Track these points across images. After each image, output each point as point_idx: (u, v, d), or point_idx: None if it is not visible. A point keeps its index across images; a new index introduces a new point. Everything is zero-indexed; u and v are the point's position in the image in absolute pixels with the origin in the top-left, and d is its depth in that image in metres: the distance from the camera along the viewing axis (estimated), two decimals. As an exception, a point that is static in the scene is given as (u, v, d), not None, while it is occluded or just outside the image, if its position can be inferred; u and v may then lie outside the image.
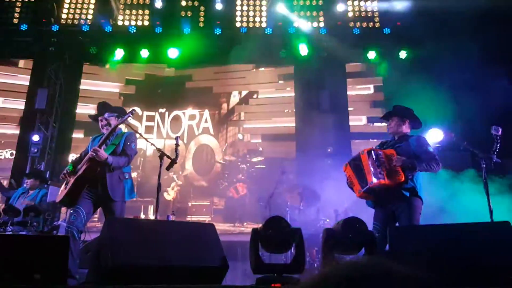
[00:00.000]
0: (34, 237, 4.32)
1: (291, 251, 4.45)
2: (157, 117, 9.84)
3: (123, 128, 5.03)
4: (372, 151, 4.10)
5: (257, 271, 3.51)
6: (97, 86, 10.00)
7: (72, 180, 4.41)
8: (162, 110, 9.88)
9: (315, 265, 5.99)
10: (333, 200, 5.01)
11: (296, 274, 3.47)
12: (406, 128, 4.39)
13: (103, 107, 4.89)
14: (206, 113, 9.86)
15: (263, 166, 9.29)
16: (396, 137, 4.38)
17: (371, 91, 9.72)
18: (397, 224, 4.06)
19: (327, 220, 6.45)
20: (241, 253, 6.86)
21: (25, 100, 9.55)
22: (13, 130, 9.53)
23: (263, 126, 9.68)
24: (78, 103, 9.69)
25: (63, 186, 4.60)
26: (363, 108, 9.65)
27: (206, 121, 9.80)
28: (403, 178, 3.89)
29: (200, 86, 10.08)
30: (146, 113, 9.83)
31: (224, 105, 9.93)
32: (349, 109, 9.54)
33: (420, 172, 4.12)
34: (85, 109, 9.56)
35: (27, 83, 9.73)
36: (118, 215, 4.37)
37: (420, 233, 3.61)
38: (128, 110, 4.78)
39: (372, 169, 3.97)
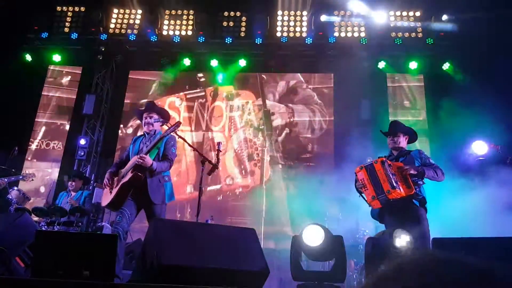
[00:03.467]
0: (84, 235, 4.49)
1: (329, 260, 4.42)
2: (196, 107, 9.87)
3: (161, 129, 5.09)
4: (385, 161, 4.25)
5: (298, 278, 3.51)
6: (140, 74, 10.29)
7: (118, 187, 4.49)
8: (202, 101, 9.90)
9: (354, 276, 5.91)
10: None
11: (337, 282, 3.45)
12: (405, 143, 4.68)
13: (151, 107, 4.94)
14: (250, 104, 9.70)
15: (313, 164, 9.00)
16: (395, 152, 4.60)
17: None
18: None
19: (367, 231, 6.37)
20: (276, 261, 6.86)
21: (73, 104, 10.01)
22: (45, 119, 9.93)
23: (313, 119, 9.46)
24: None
25: (107, 189, 4.68)
26: (421, 100, 9.37)
27: (249, 113, 9.64)
28: (413, 191, 4.12)
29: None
30: (184, 103, 9.93)
31: (270, 95, 9.73)
32: (404, 102, 9.39)
33: (425, 184, 4.36)
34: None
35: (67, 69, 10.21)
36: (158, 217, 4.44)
37: (464, 246, 3.52)
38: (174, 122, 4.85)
39: (387, 178, 4.11)
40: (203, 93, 9.94)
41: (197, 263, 3.22)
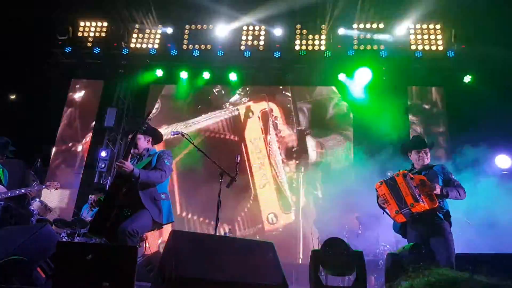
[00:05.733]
0: (104, 246, 4.50)
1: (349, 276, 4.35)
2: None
3: (157, 148, 4.76)
4: (407, 174, 4.18)
5: (317, 293, 3.46)
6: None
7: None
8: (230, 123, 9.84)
9: (374, 292, 5.80)
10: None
11: (357, 298, 3.39)
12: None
13: (135, 125, 4.58)
14: (280, 120, 9.63)
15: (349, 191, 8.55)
16: (418, 166, 4.48)
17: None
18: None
19: (387, 245, 6.25)
20: (294, 276, 6.78)
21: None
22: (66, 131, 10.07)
23: (347, 149, 9.27)
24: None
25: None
26: (442, 113, 9.31)
27: (279, 132, 9.49)
28: (437, 204, 4.03)
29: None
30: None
31: (300, 113, 9.63)
32: (425, 115, 9.25)
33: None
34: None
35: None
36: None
37: (490, 262, 3.42)
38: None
39: (410, 191, 4.05)
40: (234, 113, 9.79)
41: (214, 276, 3.20)
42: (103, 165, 9.29)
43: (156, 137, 4.56)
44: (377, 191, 4.36)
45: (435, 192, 4.04)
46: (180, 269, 3.12)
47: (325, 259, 3.45)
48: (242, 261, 3.41)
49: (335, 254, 3.44)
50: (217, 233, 4.64)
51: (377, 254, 6.13)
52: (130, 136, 4.33)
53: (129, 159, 4.00)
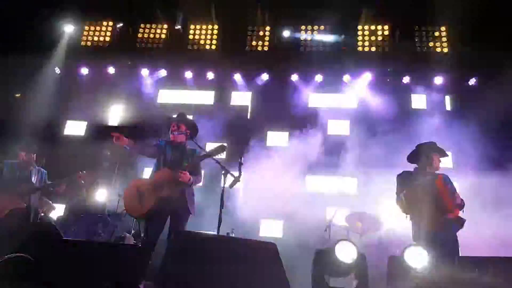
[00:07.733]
0: (109, 245, 4.51)
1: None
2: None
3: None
4: (447, 177, 4.08)
5: (320, 294, 3.46)
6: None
7: (153, 200, 4.42)
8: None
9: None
10: (397, 227, 4.85)
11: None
12: None
13: (182, 117, 4.90)
14: None
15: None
16: (428, 173, 4.29)
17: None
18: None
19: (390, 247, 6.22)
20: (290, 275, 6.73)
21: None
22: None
23: None
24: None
25: (131, 197, 4.48)
26: (446, 116, 9.01)
27: None
28: (458, 212, 4.01)
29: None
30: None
31: None
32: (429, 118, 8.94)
33: None
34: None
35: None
36: (185, 228, 4.46)
37: (492, 265, 3.42)
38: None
39: (450, 198, 3.92)
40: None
41: (216, 277, 3.21)
42: (108, 164, 9.27)
43: (195, 135, 4.97)
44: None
45: (456, 201, 3.95)
46: (181, 269, 3.13)
47: (330, 260, 3.45)
48: (242, 262, 3.41)
49: (342, 256, 3.44)
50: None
51: (380, 256, 6.09)
52: (174, 128, 4.75)
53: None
